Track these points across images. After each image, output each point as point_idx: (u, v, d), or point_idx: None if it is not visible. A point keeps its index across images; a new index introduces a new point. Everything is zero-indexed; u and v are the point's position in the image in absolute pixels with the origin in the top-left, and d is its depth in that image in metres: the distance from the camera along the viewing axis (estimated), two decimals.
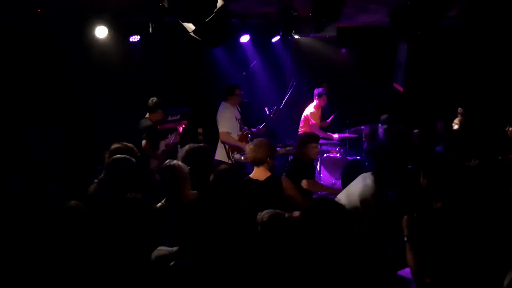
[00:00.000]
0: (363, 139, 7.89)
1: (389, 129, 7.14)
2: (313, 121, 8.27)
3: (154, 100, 6.39)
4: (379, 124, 7.51)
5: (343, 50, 9.39)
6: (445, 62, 8.49)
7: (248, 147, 4.49)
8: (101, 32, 6.85)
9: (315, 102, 8.34)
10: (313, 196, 5.24)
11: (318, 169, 7.90)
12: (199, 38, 5.38)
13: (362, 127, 7.96)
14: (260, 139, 4.52)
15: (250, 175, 4.38)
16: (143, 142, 6.11)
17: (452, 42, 8.22)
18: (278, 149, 6.49)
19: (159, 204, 3.70)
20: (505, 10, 6.58)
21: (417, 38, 6.57)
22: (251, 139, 6.79)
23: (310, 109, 8.36)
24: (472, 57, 8.14)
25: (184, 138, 6.68)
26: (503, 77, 7.83)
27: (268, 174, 4.29)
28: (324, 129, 8.41)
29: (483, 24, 7.02)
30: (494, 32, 7.39)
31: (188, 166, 3.80)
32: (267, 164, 4.33)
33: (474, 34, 7.68)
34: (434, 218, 3.13)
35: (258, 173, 4.30)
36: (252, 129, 6.96)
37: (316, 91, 8.36)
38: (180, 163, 3.81)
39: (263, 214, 3.10)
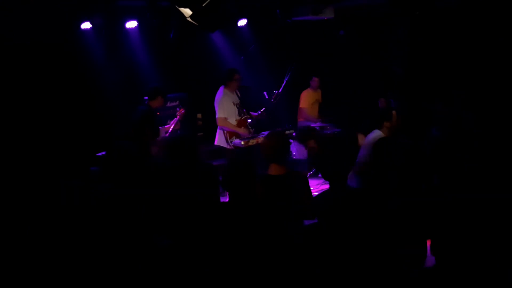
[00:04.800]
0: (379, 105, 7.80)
1: (399, 104, 7.19)
2: (301, 105, 8.31)
3: (153, 87, 6.37)
4: (391, 100, 7.54)
5: (342, 32, 9.32)
6: (444, 42, 8.43)
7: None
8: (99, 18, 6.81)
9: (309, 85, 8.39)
10: None
11: None
12: (196, 24, 5.36)
13: None
14: (269, 133, 4.15)
15: (268, 171, 3.86)
16: (143, 129, 6.11)
17: (452, 22, 8.14)
18: None
19: None
20: None
21: (415, 18, 6.52)
22: (251, 124, 6.81)
23: (305, 92, 8.40)
24: (472, 37, 8.08)
25: (183, 124, 6.70)
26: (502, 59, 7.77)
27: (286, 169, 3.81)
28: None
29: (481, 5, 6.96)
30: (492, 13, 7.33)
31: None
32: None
33: (473, 14, 7.61)
34: None
35: (276, 169, 3.80)
36: (252, 113, 6.93)
37: None
38: None
39: None
